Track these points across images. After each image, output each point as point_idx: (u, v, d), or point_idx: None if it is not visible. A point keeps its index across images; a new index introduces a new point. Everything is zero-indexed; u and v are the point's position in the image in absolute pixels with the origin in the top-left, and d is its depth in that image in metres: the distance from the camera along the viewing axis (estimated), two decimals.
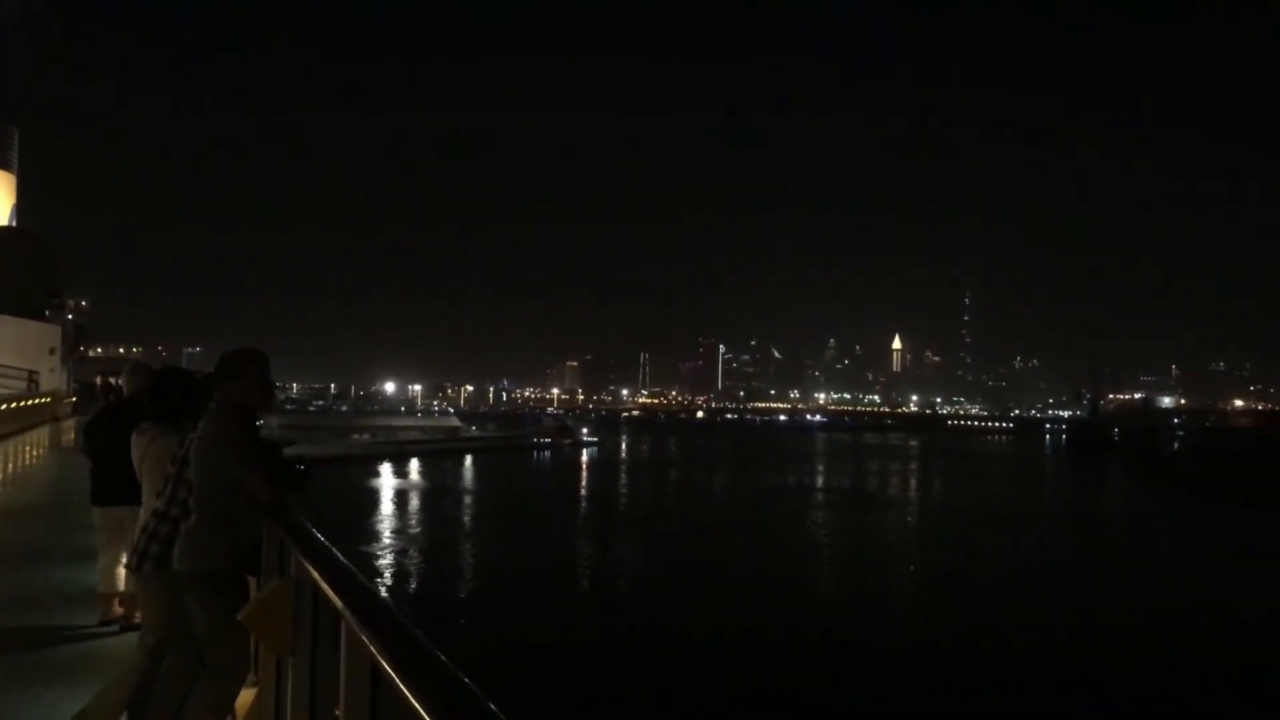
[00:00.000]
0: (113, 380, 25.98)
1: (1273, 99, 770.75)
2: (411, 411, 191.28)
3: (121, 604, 7.35)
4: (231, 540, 4.71)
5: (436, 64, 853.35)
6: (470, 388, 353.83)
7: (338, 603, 2.90)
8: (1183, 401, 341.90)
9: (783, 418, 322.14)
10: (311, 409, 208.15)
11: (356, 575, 3.13)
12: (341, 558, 3.43)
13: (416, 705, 1.81)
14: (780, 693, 20.96)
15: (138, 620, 6.30)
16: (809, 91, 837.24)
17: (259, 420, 5.30)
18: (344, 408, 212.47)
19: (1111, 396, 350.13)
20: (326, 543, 3.74)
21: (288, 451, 6.49)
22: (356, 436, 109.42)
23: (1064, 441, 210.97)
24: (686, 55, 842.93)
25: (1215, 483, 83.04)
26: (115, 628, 7.27)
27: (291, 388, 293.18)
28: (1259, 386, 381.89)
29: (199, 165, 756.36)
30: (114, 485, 6.82)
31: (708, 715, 19.91)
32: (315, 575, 3.39)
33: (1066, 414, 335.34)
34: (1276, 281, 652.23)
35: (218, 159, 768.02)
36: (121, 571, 7.23)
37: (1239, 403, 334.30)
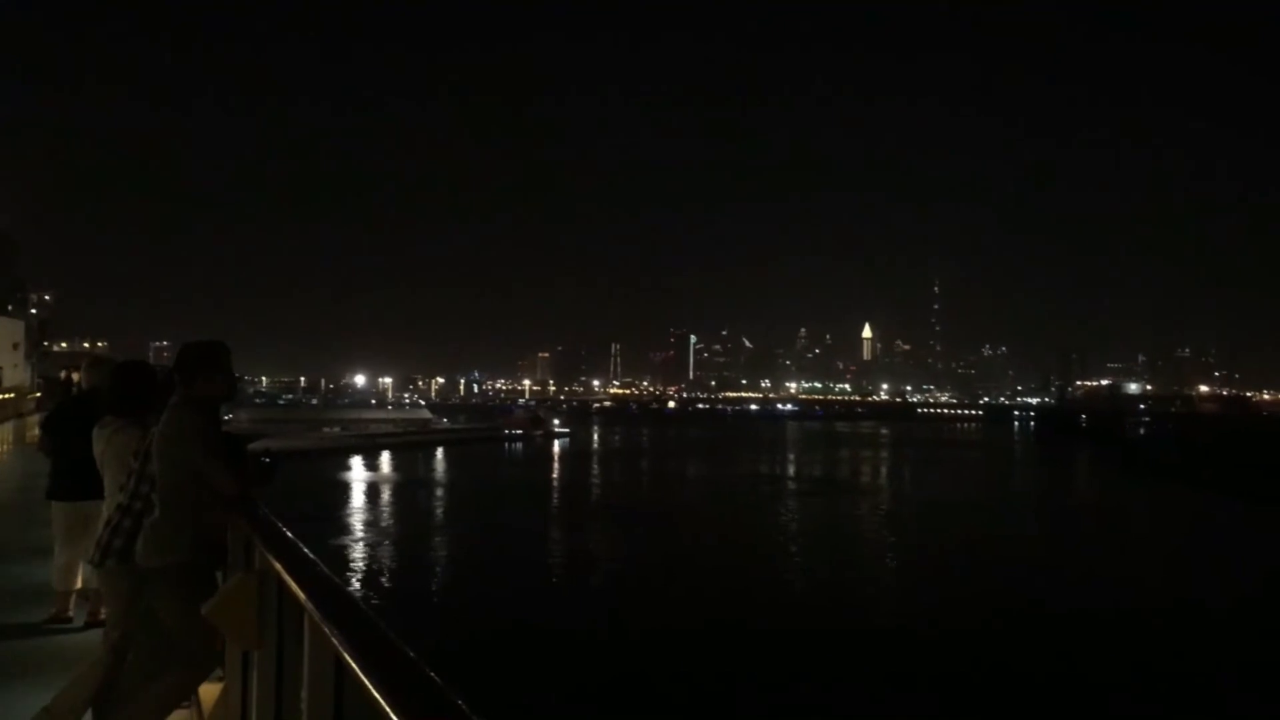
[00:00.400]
0: (74, 375, 25.75)
1: (1239, 88, 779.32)
2: (382, 404, 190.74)
3: (88, 600, 7.29)
4: (196, 534, 4.68)
5: (401, 56, 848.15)
6: (441, 380, 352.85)
7: (301, 596, 2.88)
8: (1149, 387, 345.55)
9: (754, 407, 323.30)
10: (281, 403, 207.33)
11: (320, 568, 3.11)
12: (306, 551, 3.41)
13: (379, 698, 1.78)
14: (756, 683, 21.02)
15: (103, 616, 6.25)
16: (777, 80, 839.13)
17: (228, 415, 5.26)
18: (314, 401, 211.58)
19: (1079, 383, 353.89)
20: (291, 536, 3.71)
21: (254, 445, 6.46)
22: (327, 429, 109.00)
23: (1032, 428, 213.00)
24: (657, 42, 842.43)
25: (1184, 469, 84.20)
26: (74, 624, 7.21)
27: (261, 381, 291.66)
28: (1224, 372, 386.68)
29: (165, 159, 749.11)
30: (73, 480, 6.75)
31: (687, 707, 19.90)
32: (279, 569, 3.36)
33: (1035, 401, 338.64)
34: (1241, 268, 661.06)
35: (184, 153, 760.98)
36: (80, 568, 7.17)
37: (1204, 388, 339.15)
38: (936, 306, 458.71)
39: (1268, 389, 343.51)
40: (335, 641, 2.27)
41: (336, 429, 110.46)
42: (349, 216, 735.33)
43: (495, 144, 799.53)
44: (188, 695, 4.84)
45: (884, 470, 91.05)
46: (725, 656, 22.88)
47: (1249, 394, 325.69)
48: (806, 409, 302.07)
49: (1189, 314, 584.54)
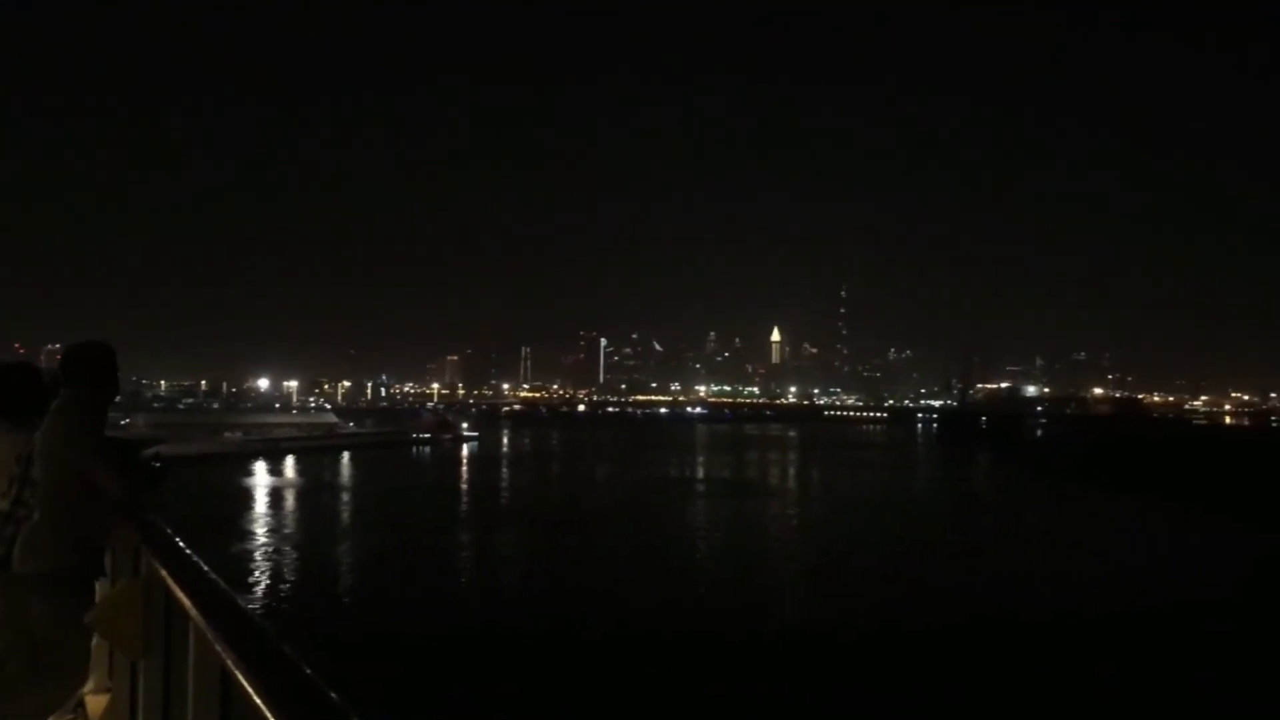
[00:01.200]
0: None
1: (1153, 86, 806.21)
2: (287, 408, 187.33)
3: None
4: (78, 538, 4.54)
5: (300, 50, 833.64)
6: (348, 383, 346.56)
7: (187, 604, 2.82)
8: (1046, 390, 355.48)
9: (664, 410, 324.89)
10: (181, 407, 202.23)
11: (209, 575, 3.04)
12: (195, 558, 3.33)
13: (265, 710, 1.75)
14: (672, 684, 21.06)
15: None
16: (682, 76, 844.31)
17: (125, 419, 5.13)
18: (215, 405, 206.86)
19: (979, 385, 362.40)
20: (180, 542, 3.62)
21: (148, 451, 6.30)
22: (229, 434, 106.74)
23: (935, 429, 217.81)
24: (559, 33, 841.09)
25: (1079, 468, 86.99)
26: None
27: (159, 385, 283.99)
28: (1117, 375, 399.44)
29: (55, 159, 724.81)
30: None
31: (598, 711, 19.84)
32: (166, 575, 3.28)
33: (938, 403, 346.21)
34: (1135, 273, 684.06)
35: (73, 152, 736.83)
36: None
37: (1098, 391, 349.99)
38: (843, 311, 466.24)
39: (1158, 391, 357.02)
40: (221, 651, 2.22)
41: (239, 434, 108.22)
42: (254, 216, 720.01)
43: (396, 144, 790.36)
44: (58, 708, 4.67)
45: (791, 472, 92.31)
46: (657, 659, 22.89)
47: (1140, 396, 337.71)
48: (716, 412, 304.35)
49: (1086, 319, 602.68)
